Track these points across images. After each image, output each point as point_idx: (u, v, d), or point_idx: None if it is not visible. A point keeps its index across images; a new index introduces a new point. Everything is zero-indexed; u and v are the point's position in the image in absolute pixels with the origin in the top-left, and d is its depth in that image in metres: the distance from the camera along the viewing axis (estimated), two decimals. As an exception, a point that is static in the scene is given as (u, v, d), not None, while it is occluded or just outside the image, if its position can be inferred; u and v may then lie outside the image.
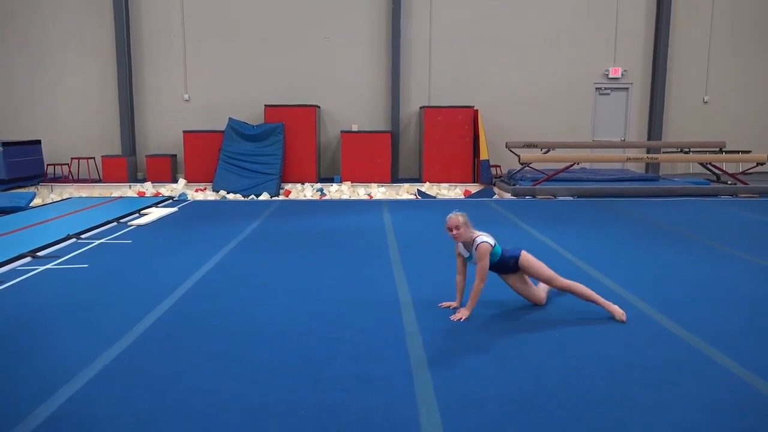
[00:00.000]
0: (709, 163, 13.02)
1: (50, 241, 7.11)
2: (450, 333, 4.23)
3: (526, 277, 4.75)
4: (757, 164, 12.56)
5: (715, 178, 13.04)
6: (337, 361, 3.76)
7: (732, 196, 11.78)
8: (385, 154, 13.95)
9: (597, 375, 3.55)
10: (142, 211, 9.62)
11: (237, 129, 13.71)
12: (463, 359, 3.78)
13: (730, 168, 13.53)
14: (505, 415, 3.08)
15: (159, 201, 10.95)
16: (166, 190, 13.09)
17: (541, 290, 4.84)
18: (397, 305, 4.85)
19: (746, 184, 12.21)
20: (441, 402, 3.20)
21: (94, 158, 14.47)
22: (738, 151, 14.29)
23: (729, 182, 12.54)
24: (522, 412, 3.10)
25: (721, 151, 13.71)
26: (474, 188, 13.46)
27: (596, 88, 15.25)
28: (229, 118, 13.89)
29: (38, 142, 13.94)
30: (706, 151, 13.81)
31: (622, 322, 4.41)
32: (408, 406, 3.18)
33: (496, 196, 12.36)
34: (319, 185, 13.49)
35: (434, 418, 3.04)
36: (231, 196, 12.69)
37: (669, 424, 2.99)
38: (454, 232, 4.52)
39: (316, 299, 5.03)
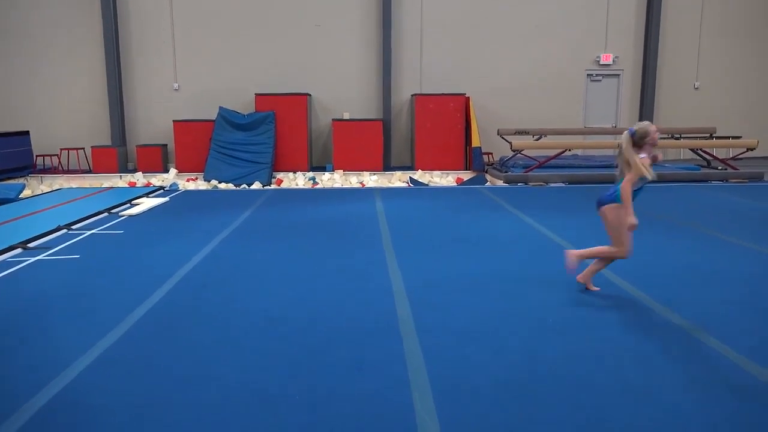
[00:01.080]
0: (700, 149, 13.07)
1: (41, 232, 7.07)
2: (443, 320, 4.25)
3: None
4: (748, 150, 12.62)
5: (705, 163, 13.09)
6: (330, 348, 3.77)
7: (722, 181, 11.84)
8: (377, 142, 13.91)
9: (589, 360, 3.58)
10: (133, 202, 9.57)
11: (228, 118, 13.63)
12: (457, 346, 3.80)
13: (720, 153, 13.60)
14: (499, 401, 3.10)
15: (150, 191, 10.90)
16: (157, 180, 13.02)
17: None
18: (390, 292, 4.86)
19: (736, 169, 12.27)
20: (435, 388, 3.22)
21: (83, 149, 14.36)
22: (728, 137, 14.36)
23: (719, 168, 12.60)
24: (516, 398, 3.13)
25: (711, 137, 13.76)
26: (466, 176, 13.47)
27: (588, 75, 15.25)
28: (220, 107, 13.80)
29: (27, 133, 13.80)
30: (697, 137, 13.86)
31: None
32: (402, 392, 3.19)
33: (488, 183, 12.38)
34: (311, 174, 13.45)
35: (428, 404, 3.06)
36: (223, 186, 12.64)
37: (659, 406, 3.03)
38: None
39: (309, 287, 5.03)
